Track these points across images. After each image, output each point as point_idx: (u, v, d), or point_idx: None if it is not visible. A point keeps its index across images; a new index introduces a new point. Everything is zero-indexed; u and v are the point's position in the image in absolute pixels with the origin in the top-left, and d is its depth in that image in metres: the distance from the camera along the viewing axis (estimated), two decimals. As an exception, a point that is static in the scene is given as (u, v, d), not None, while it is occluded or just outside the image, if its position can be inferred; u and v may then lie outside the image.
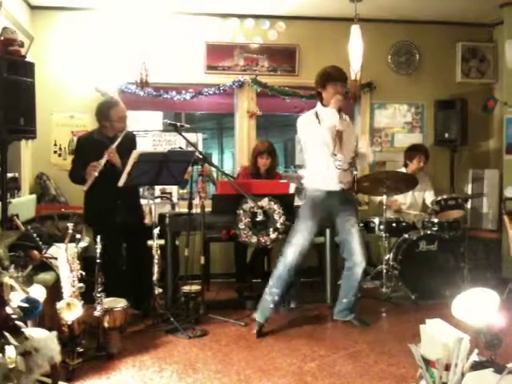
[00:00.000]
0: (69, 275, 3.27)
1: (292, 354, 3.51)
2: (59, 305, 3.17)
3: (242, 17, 5.66)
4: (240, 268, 5.07)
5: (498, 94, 5.96)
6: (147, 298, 4.08)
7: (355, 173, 4.73)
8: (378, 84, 5.90)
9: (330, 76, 3.89)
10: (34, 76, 3.78)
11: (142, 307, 4.13)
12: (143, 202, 4.52)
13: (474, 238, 5.58)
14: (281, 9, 5.51)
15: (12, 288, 2.38)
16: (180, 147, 4.88)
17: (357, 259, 3.96)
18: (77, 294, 3.28)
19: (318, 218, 3.94)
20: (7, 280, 2.36)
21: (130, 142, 4.25)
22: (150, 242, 4.12)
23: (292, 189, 4.73)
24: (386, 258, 4.83)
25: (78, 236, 3.50)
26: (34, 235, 3.64)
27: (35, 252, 3.40)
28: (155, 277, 3.97)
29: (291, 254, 3.89)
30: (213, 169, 5.30)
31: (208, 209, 4.25)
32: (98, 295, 3.39)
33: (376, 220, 4.99)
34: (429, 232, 4.82)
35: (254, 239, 4.15)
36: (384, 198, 4.83)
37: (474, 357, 2.05)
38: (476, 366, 2.12)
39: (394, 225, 5.00)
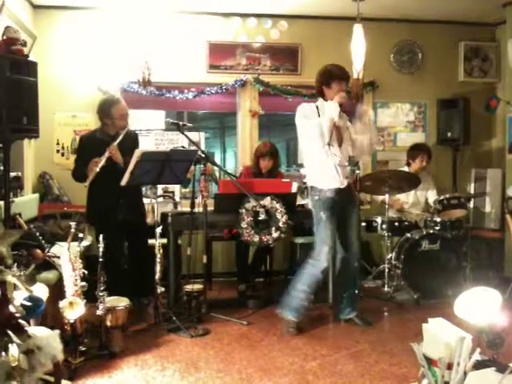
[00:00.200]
0: (71, 274, 3.28)
1: (293, 353, 3.51)
2: (62, 303, 3.18)
3: (244, 16, 5.67)
4: (242, 267, 5.08)
5: (501, 93, 5.95)
6: (148, 295, 4.09)
7: (357, 172, 4.74)
8: (380, 83, 5.89)
9: (334, 74, 3.88)
10: (37, 75, 3.79)
11: (140, 302, 4.15)
12: (146, 201, 4.52)
13: (477, 237, 5.58)
14: (283, 8, 5.51)
15: (15, 286, 2.39)
16: (182, 146, 4.88)
17: (353, 252, 4.01)
18: (79, 292, 3.29)
19: (335, 216, 3.92)
20: (10, 279, 2.36)
21: (132, 140, 4.25)
22: (152, 241, 4.13)
23: (294, 188, 4.73)
24: (389, 257, 4.83)
25: (81, 235, 3.51)
26: (37, 234, 3.65)
27: (38, 251, 3.41)
28: (157, 276, 3.97)
29: (325, 258, 3.85)
30: (215, 168, 5.31)
31: (210, 208, 4.25)
32: (101, 294, 3.40)
33: (378, 219, 4.99)
34: (431, 231, 4.82)
35: (257, 238, 4.15)
36: (386, 197, 4.83)
37: (477, 356, 2.05)
38: (478, 365, 2.12)
39: (396, 224, 5.00)
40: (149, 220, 4.51)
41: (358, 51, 4.95)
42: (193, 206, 4.20)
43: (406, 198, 5.34)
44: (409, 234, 4.85)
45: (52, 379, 2.51)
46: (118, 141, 4.04)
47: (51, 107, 5.24)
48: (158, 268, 3.97)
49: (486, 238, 5.67)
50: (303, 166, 5.11)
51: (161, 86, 5.47)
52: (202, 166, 4.20)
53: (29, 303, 2.40)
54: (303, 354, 3.48)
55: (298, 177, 5.33)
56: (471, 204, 5.55)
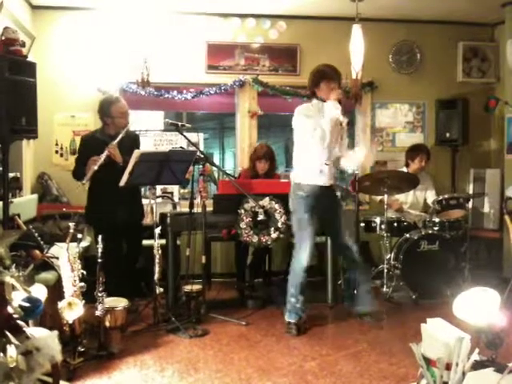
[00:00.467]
0: (70, 275, 3.28)
1: (293, 353, 3.51)
2: (60, 304, 3.18)
3: (242, 16, 5.66)
4: (241, 268, 5.08)
5: (500, 93, 5.94)
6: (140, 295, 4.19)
7: (356, 172, 4.75)
8: (379, 83, 5.90)
9: (322, 74, 3.93)
10: (36, 76, 3.79)
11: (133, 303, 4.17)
12: (145, 201, 4.53)
13: (476, 237, 5.58)
14: (281, 8, 5.51)
15: (13, 287, 2.38)
16: (181, 147, 4.89)
17: (348, 243, 4.06)
18: (78, 293, 3.28)
19: (315, 212, 3.93)
20: (8, 279, 2.36)
21: (132, 140, 4.26)
22: (151, 242, 4.12)
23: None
24: (387, 257, 4.83)
25: (80, 236, 3.51)
26: (36, 235, 3.65)
27: (37, 251, 3.42)
28: (156, 276, 3.97)
29: (307, 257, 3.88)
30: (214, 168, 5.31)
31: (209, 208, 4.26)
32: (99, 295, 3.40)
33: (377, 219, 4.99)
34: (430, 232, 4.82)
35: (255, 239, 4.15)
36: (385, 197, 4.83)
37: (475, 356, 2.05)
38: (477, 366, 2.12)
39: (395, 224, 4.99)
40: (148, 220, 4.52)
41: (356, 51, 4.95)
42: (192, 206, 4.20)
43: (405, 199, 5.34)
44: (408, 235, 4.85)
45: (50, 380, 2.51)
46: (117, 140, 4.04)
47: (50, 108, 5.23)
48: (157, 268, 3.96)
49: (484, 238, 5.67)
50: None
51: (160, 86, 5.47)
52: (200, 166, 4.20)
53: (27, 304, 2.39)
54: (302, 355, 3.48)
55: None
56: (470, 204, 5.54)
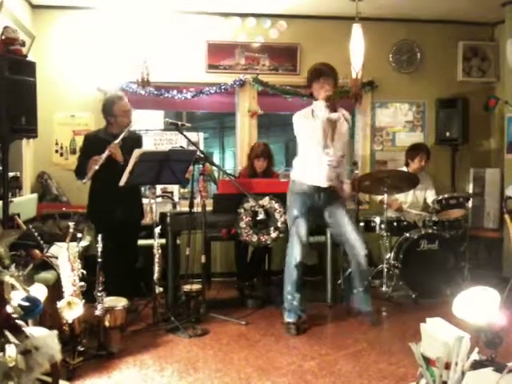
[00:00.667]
0: (70, 274, 3.28)
1: (292, 352, 3.51)
2: (60, 304, 3.17)
3: (243, 16, 5.66)
4: (241, 267, 5.08)
5: (500, 93, 5.94)
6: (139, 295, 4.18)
7: (356, 172, 4.74)
8: (379, 83, 5.89)
9: (316, 71, 3.94)
10: (36, 75, 3.79)
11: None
12: (144, 201, 4.53)
13: (475, 237, 5.58)
14: (282, 8, 5.50)
15: (13, 287, 2.39)
16: (181, 146, 4.88)
17: (356, 248, 3.98)
18: (78, 293, 3.28)
19: (306, 211, 3.93)
20: (8, 279, 2.36)
21: (134, 141, 4.25)
22: (151, 241, 4.12)
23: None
24: (387, 257, 4.83)
25: (79, 235, 3.51)
26: (36, 234, 3.65)
27: (36, 251, 3.42)
28: (156, 276, 3.97)
29: (297, 255, 3.89)
30: (214, 168, 5.31)
31: (209, 208, 4.26)
32: (99, 294, 3.40)
33: (377, 219, 4.99)
34: (430, 231, 4.82)
35: (255, 238, 4.15)
36: (385, 197, 4.83)
37: (475, 355, 2.04)
38: (476, 365, 2.12)
39: (394, 224, 4.99)
40: (147, 220, 4.53)
41: (356, 51, 4.95)
42: (191, 206, 4.20)
43: (405, 198, 5.34)
44: (407, 234, 4.86)
45: (49, 379, 2.51)
46: (118, 139, 4.05)
47: (50, 107, 5.23)
48: (156, 268, 3.96)
49: (484, 237, 5.67)
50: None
51: (160, 85, 5.47)
52: (200, 166, 4.20)
53: (26, 303, 2.40)
54: (302, 354, 3.48)
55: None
56: (470, 204, 5.54)
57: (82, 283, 3.33)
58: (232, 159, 13.24)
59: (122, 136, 4.06)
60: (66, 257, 3.29)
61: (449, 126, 5.84)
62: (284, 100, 5.75)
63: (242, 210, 4.14)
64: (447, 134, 5.85)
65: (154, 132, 5.53)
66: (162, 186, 5.36)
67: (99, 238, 3.50)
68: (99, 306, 3.38)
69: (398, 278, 4.76)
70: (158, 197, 4.73)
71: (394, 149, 6.04)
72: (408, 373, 3.09)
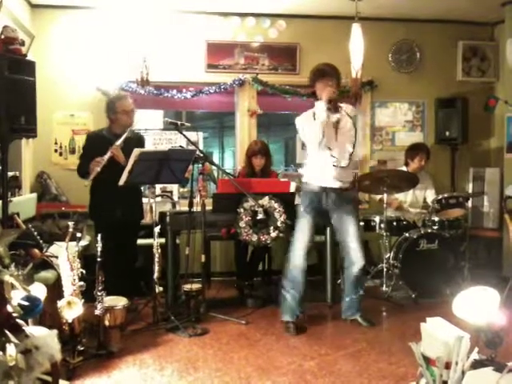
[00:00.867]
0: (69, 274, 3.28)
1: (292, 352, 3.51)
2: (60, 303, 3.17)
3: (242, 15, 5.66)
4: (241, 267, 5.08)
5: (499, 92, 5.95)
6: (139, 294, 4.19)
7: (355, 171, 4.74)
8: (378, 82, 5.89)
9: (320, 72, 3.92)
10: (35, 75, 3.79)
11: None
12: (144, 200, 4.53)
13: (475, 236, 5.58)
14: (281, 7, 5.50)
15: (13, 286, 2.38)
16: (181, 146, 4.88)
17: (353, 259, 3.96)
18: (77, 292, 3.28)
19: (314, 213, 3.94)
20: (8, 278, 2.36)
21: (137, 142, 4.25)
22: (150, 241, 4.12)
23: (292, 187, 4.73)
24: (387, 256, 4.83)
25: (79, 234, 3.51)
26: (35, 234, 3.65)
27: (36, 250, 3.42)
28: (156, 275, 3.97)
29: (299, 256, 3.89)
30: (213, 167, 5.30)
31: (209, 207, 4.25)
32: (99, 294, 3.39)
33: (376, 219, 4.99)
34: (429, 231, 4.82)
35: (255, 238, 4.15)
36: (385, 196, 4.83)
37: (475, 355, 2.05)
38: (476, 365, 2.12)
39: (394, 223, 5.00)
40: (147, 219, 4.52)
41: (356, 51, 4.95)
42: (191, 205, 4.20)
43: (405, 198, 5.34)
44: (407, 234, 4.86)
45: (50, 379, 2.51)
46: (120, 141, 4.06)
47: (49, 107, 5.23)
48: (156, 267, 3.96)
49: (484, 237, 5.68)
50: (302, 166, 5.11)
51: (159, 85, 5.47)
52: (200, 165, 4.20)
53: (26, 303, 2.39)
54: (302, 354, 3.48)
55: (297, 176, 5.32)
56: (469, 203, 5.55)
57: (82, 283, 3.33)
58: (231, 159, 13.24)
59: (123, 137, 4.06)
60: (65, 256, 3.28)
61: (448, 125, 5.84)
62: (283, 99, 5.75)
63: (241, 210, 4.13)
64: (447, 133, 5.86)
65: (153, 131, 5.53)
66: (161, 186, 5.36)
67: (99, 237, 3.49)
68: (99, 306, 3.38)
69: (397, 278, 4.76)
70: (157, 196, 4.73)
71: (393, 148, 6.04)
72: (408, 372, 3.09)
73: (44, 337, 2.43)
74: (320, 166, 3.91)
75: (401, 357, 3.36)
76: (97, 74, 5.39)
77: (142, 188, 4.68)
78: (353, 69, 4.97)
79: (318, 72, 3.94)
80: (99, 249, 3.46)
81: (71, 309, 3.17)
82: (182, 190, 5.56)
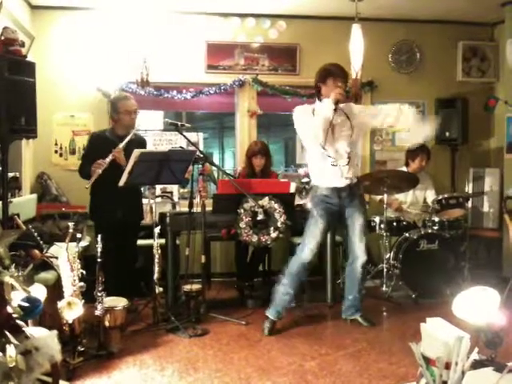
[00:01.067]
0: (69, 274, 3.28)
1: (292, 352, 3.51)
2: (60, 304, 3.18)
3: (242, 16, 5.66)
4: (241, 267, 5.08)
5: (499, 93, 5.95)
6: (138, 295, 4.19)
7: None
8: (378, 83, 5.89)
9: (329, 72, 3.89)
10: (35, 76, 3.79)
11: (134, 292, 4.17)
12: (144, 201, 4.53)
13: (475, 236, 5.58)
14: (281, 8, 5.50)
15: (13, 287, 2.38)
16: (181, 146, 4.88)
17: (357, 253, 3.98)
18: (77, 293, 3.28)
19: (328, 215, 3.93)
20: (8, 279, 2.36)
21: (138, 145, 4.24)
22: (151, 241, 4.12)
23: (292, 188, 4.73)
24: (387, 256, 4.83)
25: (79, 235, 3.51)
26: (35, 234, 3.65)
27: (36, 251, 3.42)
28: (156, 276, 3.97)
29: (306, 254, 3.89)
30: (213, 168, 5.31)
31: (209, 208, 4.26)
32: (99, 294, 3.40)
33: (377, 219, 4.99)
34: (429, 231, 4.82)
35: (255, 238, 4.15)
36: (385, 197, 4.83)
37: (475, 355, 2.04)
38: (476, 365, 2.12)
39: (394, 224, 5.00)
40: (147, 220, 4.52)
41: (356, 51, 4.95)
42: (191, 206, 4.20)
43: (405, 198, 5.34)
44: (407, 234, 4.86)
45: (50, 380, 2.51)
46: (123, 144, 4.06)
47: (49, 107, 5.23)
48: (156, 268, 3.96)
49: (484, 237, 5.68)
50: (301, 166, 5.12)
51: (159, 86, 5.47)
52: (200, 166, 4.20)
53: (26, 304, 2.40)
54: (302, 354, 3.48)
55: (297, 177, 5.32)
56: (469, 204, 5.55)
57: (82, 283, 3.33)
58: (232, 159, 13.24)
59: (126, 140, 4.07)
60: (65, 257, 3.29)
61: (448, 126, 5.84)
62: (283, 100, 5.74)
63: (241, 211, 4.13)
64: (447, 133, 5.85)
65: (153, 132, 5.53)
66: (161, 186, 5.36)
67: (99, 238, 3.50)
68: (99, 306, 3.39)
69: (397, 278, 4.76)
70: (157, 197, 4.73)
71: (393, 149, 6.04)
72: (408, 372, 3.09)
73: (44, 338, 2.43)
74: (324, 168, 3.89)
75: (401, 357, 3.36)
76: (97, 75, 5.40)
77: (142, 189, 4.68)
78: (353, 69, 4.97)
79: (327, 71, 3.90)
80: (99, 249, 3.47)
81: (71, 309, 3.17)
82: (182, 190, 5.56)
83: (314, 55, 5.65)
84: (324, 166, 3.88)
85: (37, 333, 2.46)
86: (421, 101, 6.06)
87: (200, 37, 5.61)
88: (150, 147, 5.37)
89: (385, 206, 4.83)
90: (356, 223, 3.98)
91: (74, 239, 3.44)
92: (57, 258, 3.45)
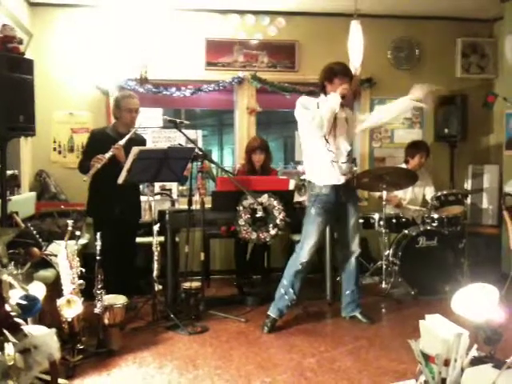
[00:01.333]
0: (69, 272, 3.28)
1: (292, 349, 3.52)
2: (59, 302, 3.18)
3: (241, 13, 5.65)
4: (240, 264, 5.08)
5: (499, 89, 5.94)
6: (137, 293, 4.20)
7: (355, 169, 4.73)
8: (378, 80, 5.88)
9: (337, 71, 3.89)
10: (33, 73, 3.78)
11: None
12: (143, 198, 4.53)
13: (474, 233, 5.57)
14: (280, 5, 5.49)
15: (11, 285, 2.38)
16: (180, 144, 4.88)
17: (352, 248, 4.03)
18: (77, 290, 3.29)
19: (326, 213, 3.93)
20: (6, 277, 2.36)
21: (139, 143, 4.24)
22: (150, 239, 4.12)
23: (292, 185, 4.72)
24: (386, 253, 4.83)
25: (78, 233, 3.51)
26: (34, 232, 3.65)
27: (35, 249, 3.41)
28: (155, 273, 3.97)
29: (305, 253, 3.88)
30: (212, 165, 5.30)
31: (208, 205, 4.25)
32: (98, 292, 3.39)
33: (376, 216, 4.99)
34: (428, 228, 4.82)
35: (254, 235, 4.15)
36: (384, 193, 4.83)
37: (474, 352, 2.05)
38: (475, 362, 2.12)
39: (393, 221, 5.00)
40: (146, 218, 4.52)
41: (355, 48, 4.94)
42: (190, 203, 4.19)
43: (404, 195, 5.34)
44: (406, 231, 4.85)
45: (49, 378, 2.51)
46: (123, 140, 4.06)
47: (48, 105, 5.22)
48: (155, 266, 3.96)
49: (483, 234, 5.67)
50: (301, 163, 5.10)
51: (158, 83, 5.46)
52: (199, 163, 4.20)
53: (25, 302, 2.40)
54: (301, 351, 3.48)
55: (296, 174, 5.32)
56: (468, 200, 5.55)
57: (81, 281, 3.34)
58: (231, 156, 13.22)
59: (127, 137, 4.07)
60: (64, 255, 3.29)
61: (447, 122, 5.84)
62: (282, 97, 5.73)
63: (240, 208, 4.13)
64: (446, 130, 5.85)
65: (152, 129, 5.52)
66: (160, 184, 5.36)
67: (98, 235, 3.49)
68: (98, 304, 3.38)
69: (396, 275, 4.76)
70: (156, 194, 4.73)
71: (392, 145, 6.03)
72: (408, 369, 3.09)
73: (43, 336, 2.43)
74: (322, 165, 3.89)
75: (401, 354, 3.36)
76: (96, 73, 5.38)
77: (141, 186, 4.68)
78: (352, 66, 4.95)
79: (334, 70, 3.89)
80: (98, 247, 3.47)
81: (71, 307, 3.17)
82: (181, 188, 5.56)
83: (313, 52, 5.64)
84: (323, 162, 3.88)
85: (36, 331, 2.47)
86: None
87: (199, 34, 5.60)
88: (148, 144, 5.38)
89: (384, 202, 4.82)
90: (352, 219, 4.03)
91: (73, 237, 3.44)
92: (56, 255, 3.45)
